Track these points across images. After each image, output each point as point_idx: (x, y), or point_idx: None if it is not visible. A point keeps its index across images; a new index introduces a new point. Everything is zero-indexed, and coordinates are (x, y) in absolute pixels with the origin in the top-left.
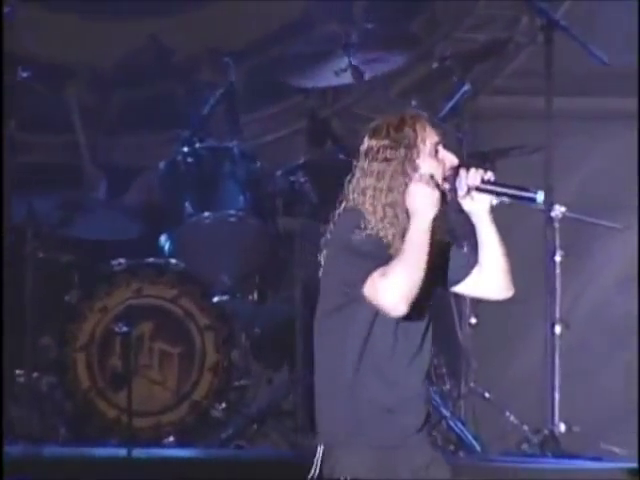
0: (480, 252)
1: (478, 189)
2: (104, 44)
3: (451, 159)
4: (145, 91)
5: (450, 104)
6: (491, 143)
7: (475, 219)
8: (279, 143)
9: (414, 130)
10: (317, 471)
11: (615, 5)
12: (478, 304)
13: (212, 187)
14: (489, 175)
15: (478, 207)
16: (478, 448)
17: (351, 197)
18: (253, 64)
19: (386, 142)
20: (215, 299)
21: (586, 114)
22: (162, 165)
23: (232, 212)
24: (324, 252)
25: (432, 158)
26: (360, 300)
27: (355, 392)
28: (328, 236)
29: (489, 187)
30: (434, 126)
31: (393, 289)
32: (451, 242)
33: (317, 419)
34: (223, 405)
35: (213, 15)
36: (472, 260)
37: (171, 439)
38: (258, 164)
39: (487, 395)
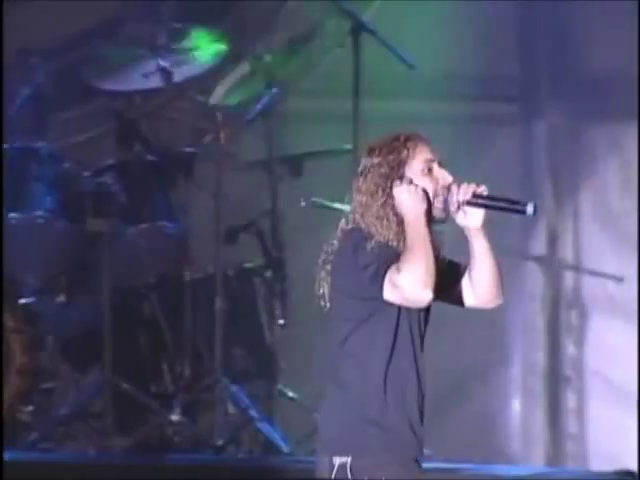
0: (472, 264)
1: (469, 203)
2: None
3: (445, 177)
4: None
5: (259, 106)
6: (300, 145)
7: (468, 233)
8: (88, 144)
9: (405, 147)
10: None
11: (425, 7)
12: (287, 305)
13: (19, 188)
14: (481, 189)
15: (471, 221)
16: (286, 449)
17: (350, 217)
18: (61, 65)
19: (376, 160)
20: (22, 301)
21: (394, 117)
22: None
23: (40, 213)
24: (326, 271)
25: (424, 175)
26: (381, 312)
27: (384, 406)
28: (326, 256)
29: (480, 201)
30: (429, 144)
31: (413, 279)
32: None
33: (334, 432)
34: (30, 408)
35: (21, 14)
36: (460, 271)
37: None
38: (66, 165)
39: (296, 396)
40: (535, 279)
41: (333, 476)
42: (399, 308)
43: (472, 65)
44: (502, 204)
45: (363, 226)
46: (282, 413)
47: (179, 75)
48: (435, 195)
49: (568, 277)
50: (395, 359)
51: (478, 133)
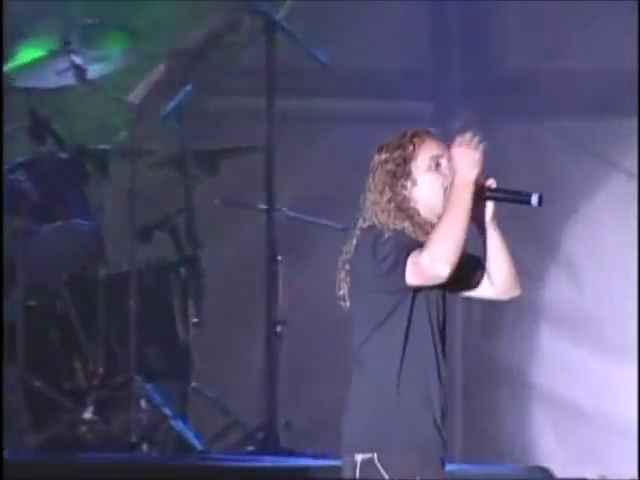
0: (487, 257)
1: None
2: None
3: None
4: None
5: (173, 104)
6: (215, 143)
7: (479, 227)
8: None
9: (411, 144)
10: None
11: (340, 6)
12: (201, 303)
13: None
14: (489, 182)
15: (481, 215)
16: (200, 447)
17: (364, 215)
18: None
19: (383, 157)
20: None
21: (309, 115)
22: None
23: None
24: (345, 272)
25: (430, 171)
26: (402, 308)
27: (406, 403)
28: (345, 256)
29: (488, 194)
30: (437, 140)
31: (435, 252)
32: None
33: (356, 431)
34: None
35: None
36: (476, 263)
37: None
38: None
39: (210, 394)
40: None
41: (357, 474)
42: (419, 304)
43: (386, 63)
44: (509, 196)
45: (377, 222)
46: (196, 411)
47: (93, 72)
48: (443, 190)
49: None
50: (415, 356)
51: (392, 131)
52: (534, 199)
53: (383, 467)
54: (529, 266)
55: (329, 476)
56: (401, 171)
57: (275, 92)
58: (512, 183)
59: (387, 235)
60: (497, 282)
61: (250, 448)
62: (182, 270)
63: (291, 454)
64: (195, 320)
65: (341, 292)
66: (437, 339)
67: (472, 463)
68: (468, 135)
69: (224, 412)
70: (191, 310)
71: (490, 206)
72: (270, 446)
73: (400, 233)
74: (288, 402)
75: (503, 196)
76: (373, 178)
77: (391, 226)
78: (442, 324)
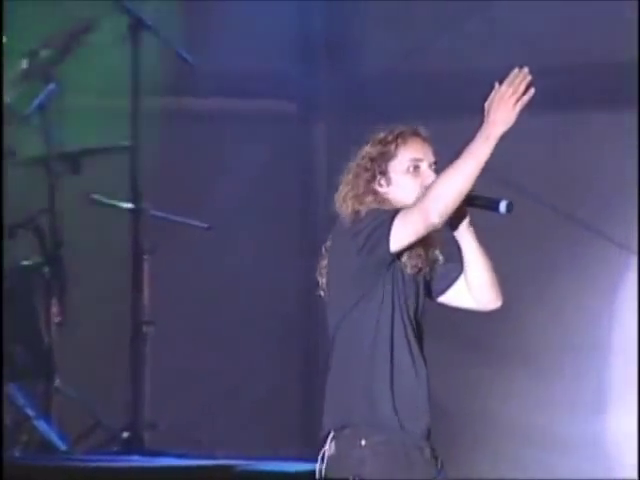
0: (465, 266)
1: None
2: None
3: (429, 176)
4: None
5: (36, 103)
6: (79, 142)
7: (456, 234)
8: None
9: (394, 142)
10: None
11: (207, 7)
12: (64, 303)
13: None
14: None
15: (457, 222)
16: (64, 447)
17: (339, 206)
18: None
19: (364, 152)
20: None
21: (173, 114)
22: None
23: None
24: (326, 260)
25: (408, 174)
26: (375, 292)
27: (371, 381)
28: (329, 243)
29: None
30: (422, 142)
31: (431, 199)
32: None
33: (333, 406)
34: None
35: None
36: (455, 271)
37: None
38: None
39: (73, 394)
40: None
41: (327, 451)
42: (393, 289)
43: (251, 63)
44: (481, 202)
45: (349, 212)
46: (59, 411)
47: None
48: (418, 194)
49: None
50: (386, 342)
51: (258, 131)
52: (502, 207)
53: (341, 443)
54: None
55: (194, 476)
56: (376, 168)
57: (140, 91)
58: None
59: (363, 212)
60: (479, 292)
61: (115, 449)
62: (46, 269)
63: (156, 454)
64: (58, 319)
65: (322, 280)
66: (409, 329)
67: None
68: (514, 85)
69: (88, 412)
70: (54, 310)
71: (464, 215)
72: (135, 447)
73: (374, 209)
74: (154, 403)
75: (475, 202)
76: (348, 171)
77: (362, 208)
78: (415, 317)
